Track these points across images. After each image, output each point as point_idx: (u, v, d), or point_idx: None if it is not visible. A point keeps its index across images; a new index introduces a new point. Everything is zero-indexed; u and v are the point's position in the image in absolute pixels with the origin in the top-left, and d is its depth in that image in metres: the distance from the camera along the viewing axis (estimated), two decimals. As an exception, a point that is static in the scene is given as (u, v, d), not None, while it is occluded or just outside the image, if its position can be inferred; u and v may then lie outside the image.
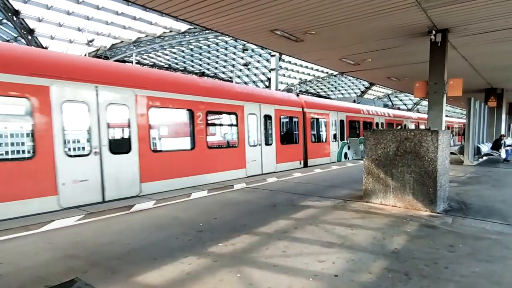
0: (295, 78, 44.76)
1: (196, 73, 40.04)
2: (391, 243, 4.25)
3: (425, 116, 29.53)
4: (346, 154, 18.27)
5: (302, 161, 14.85)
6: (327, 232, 4.71)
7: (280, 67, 36.06)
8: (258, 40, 11.23)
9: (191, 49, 35.57)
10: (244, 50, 31.74)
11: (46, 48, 21.36)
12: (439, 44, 10.14)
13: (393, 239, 4.41)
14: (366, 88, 50.30)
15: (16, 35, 22.65)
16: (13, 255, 3.99)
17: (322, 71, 42.67)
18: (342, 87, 52.44)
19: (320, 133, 16.59)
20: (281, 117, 13.74)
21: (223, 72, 42.06)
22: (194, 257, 3.78)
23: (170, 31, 26.10)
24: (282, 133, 13.88)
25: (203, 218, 5.61)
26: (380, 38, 10.70)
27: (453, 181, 8.95)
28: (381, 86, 38.63)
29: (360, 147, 19.30)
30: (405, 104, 60.43)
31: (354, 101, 21.22)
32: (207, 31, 24.55)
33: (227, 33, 10.66)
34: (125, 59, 24.30)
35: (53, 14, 21.27)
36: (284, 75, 42.02)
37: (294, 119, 14.65)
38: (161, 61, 38.67)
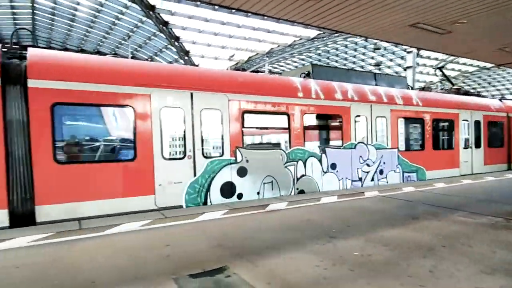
0: (435, 75, 39.46)
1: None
2: None
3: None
4: (233, 187, 8.09)
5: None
6: (484, 255, 3.99)
7: (417, 64, 32.46)
8: (393, 37, 10.39)
9: (319, 54, 35.80)
10: (376, 49, 29.89)
11: (197, 65, 25.27)
12: None
13: None
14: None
15: (176, 57, 27.62)
16: (176, 240, 4.85)
17: (472, 65, 36.27)
18: (499, 81, 43.26)
19: (116, 140, 7.25)
20: None
21: (352, 74, 40.67)
22: (329, 262, 3.79)
23: (300, 39, 26.95)
24: None
25: (335, 223, 5.56)
26: (562, 17, 8.38)
27: None
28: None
29: (289, 172, 8.98)
30: None
31: (308, 74, 10.52)
32: (336, 34, 24.26)
33: (359, 34, 10.26)
34: (258, 69, 26.45)
35: (204, 36, 25.18)
36: (421, 73, 37.62)
37: None
38: (290, 68, 40.30)
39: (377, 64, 34.86)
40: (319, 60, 38.15)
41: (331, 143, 10.64)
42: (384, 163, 10.94)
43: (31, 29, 29.30)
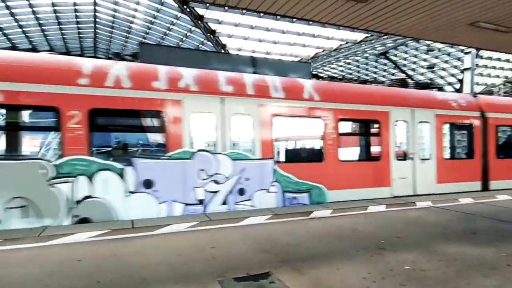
0: (497, 76, 36.30)
1: (371, 82, 38.73)
2: None
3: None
4: None
5: None
6: (561, 279, 3.54)
7: (477, 65, 30.06)
8: (449, 38, 9.75)
9: (366, 58, 34.70)
10: (429, 51, 28.23)
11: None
12: None
13: None
14: None
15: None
16: (221, 242, 4.94)
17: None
18: None
19: None
20: None
21: (402, 78, 38.89)
22: (378, 275, 3.61)
23: (346, 43, 26.35)
24: None
25: (384, 234, 5.30)
26: None
27: None
28: None
29: (58, 193, 6.29)
30: None
31: (134, 56, 8.66)
32: (385, 37, 23.36)
33: (411, 35, 9.80)
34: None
35: (249, 43, 25.72)
36: (481, 75, 34.79)
37: None
38: (335, 73, 39.52)
39: (430, 67, 32.91)
40: (366, 64, 36.98)
41: (147, 150, 8.24)
42: (247, 179, 7.74)
43: (93, 41, 32.01)
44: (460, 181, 10.50)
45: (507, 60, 33.13)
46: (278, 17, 18.40)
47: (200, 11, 20.30)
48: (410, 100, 10.22)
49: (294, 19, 9.35)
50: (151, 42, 29.44)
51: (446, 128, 10.75)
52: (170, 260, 4.14)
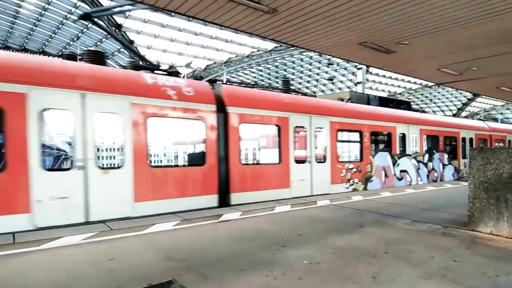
0: (383, 91, 42.44)
1: (280, 89, 41.08)
2: (508, 282, 3.62)
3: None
4: None
5: None
6: (423, 261, 4.26)
7: (367, 79, 34.62)
8: (344, 54, 10.97)
9: (276, 66, 36.78)
10: (329, 64, 31.43)
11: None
12: None
13: (510, 277, 3.75)
14: (469, 99, 44.69)
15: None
16: (122, 253, 4.57)
17: (415, 83, 39.58)
18: (439, 99, 47.61)
19: None
20: None
21: (307, 87, 42.24)
22: (280, 272, 3.80)
23: (258, 51, 27.47)
24: None
25: (287, 233, 5.62)
26: (489, 43, 9.42)
27: None
28: (488, 98, 33.91)
29: None
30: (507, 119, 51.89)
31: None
32: (292, 48, 25.10)
33: (313, 49, 10.69)
34: (216, 78, 26.51)
35: (159, 41, 24.71)
36: (371, 88, 40.17)
37: None
38: (248, 79, 40.78)
39: (330, 79, 36.59)
40: (276, 72, 39.16)
41: None
42: None
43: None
44: (179, 197, 7.61)
45: (390, 77, 38.98)
46: (190, 18, 18.13)
47: (104, 2, 18.74)
48: (80, 79, 6.49)
49: (206, 22, 9.29)
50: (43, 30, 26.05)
51: (153, 124, 7.42)
52: (57, 278, 3.65)
